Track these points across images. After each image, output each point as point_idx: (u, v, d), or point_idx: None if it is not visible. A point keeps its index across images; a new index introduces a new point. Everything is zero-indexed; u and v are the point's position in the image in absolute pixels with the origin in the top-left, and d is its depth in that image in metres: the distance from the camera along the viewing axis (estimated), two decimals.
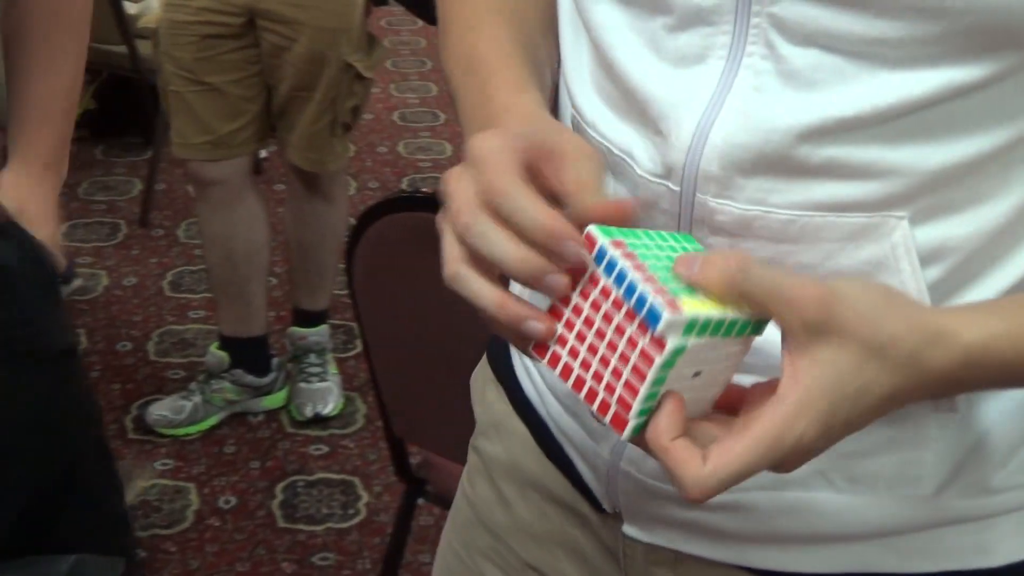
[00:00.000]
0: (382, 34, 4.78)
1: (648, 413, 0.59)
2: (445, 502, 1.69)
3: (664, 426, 0.59)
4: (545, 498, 0.88)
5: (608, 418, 0.60)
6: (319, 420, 2.67)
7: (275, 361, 2.72)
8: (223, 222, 2.56)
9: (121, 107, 3.94)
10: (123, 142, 4.06)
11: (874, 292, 0.61)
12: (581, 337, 0.60)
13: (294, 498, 2.46)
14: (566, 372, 0.61)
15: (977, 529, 0.74)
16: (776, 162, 0.65)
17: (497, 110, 0.72)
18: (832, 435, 0.60)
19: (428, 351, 1.65)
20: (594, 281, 0.60)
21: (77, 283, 3.22)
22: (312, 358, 2.72)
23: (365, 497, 2.46)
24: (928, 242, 0.66)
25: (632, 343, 0.58)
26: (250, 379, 2.67)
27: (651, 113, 0.68)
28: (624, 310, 0.58)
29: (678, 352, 0.58)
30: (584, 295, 0.60)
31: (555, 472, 0.87)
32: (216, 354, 2.67)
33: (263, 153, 3.50)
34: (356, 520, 2.40)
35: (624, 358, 0.59)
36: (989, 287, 0.68)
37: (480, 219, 0.60)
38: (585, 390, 0.60)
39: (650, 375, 0.58)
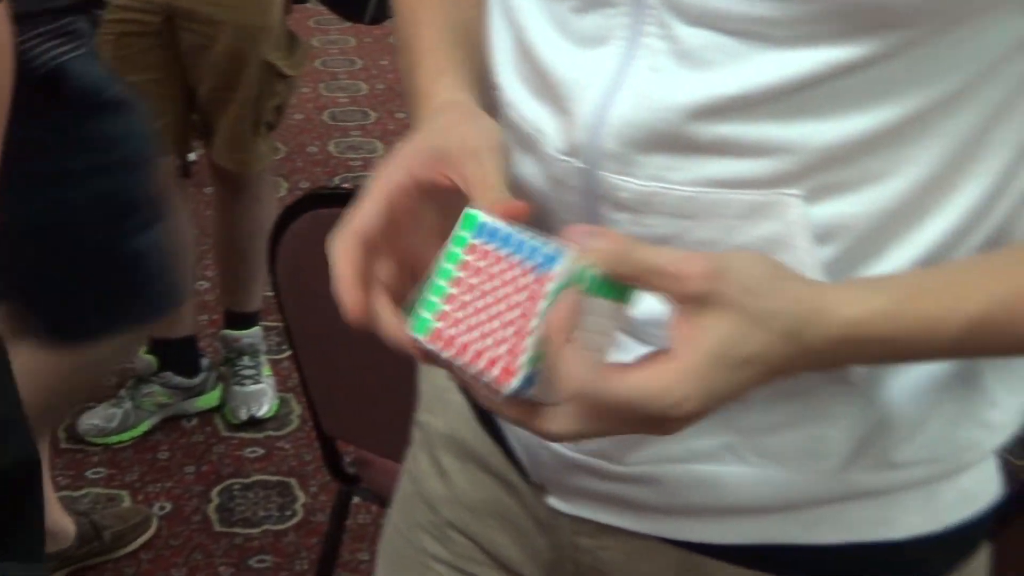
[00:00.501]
0: (310, 33, 4.76)
1: (534, 364, 0.61)
2: (381, 500, 1.69)
3: (519, 415, 0.63)
4: (481, 468, 0.90)
5: (496, 372, 0.61)
6: (254, 422, 2.65)
7: (204, 361, 2.69)
8: None
9: None
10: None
11: (760, 265, 0.62)
12: (464, 305, 0.62)
13: (230, 501, 2.44)
14: (449, 343, 0.63)
15: (881, 503, 0.76)
16: (671, 140, 0.67)
17: (419, 97, 0.77)
18: (712, 403, 0.61)
19: (355, 348, 1.64)
20: (474, 252, 0.63)
21: None
22: (245, 360, 2.70)
23: (302, 498, 2.45)
24: (823, 220, 0.67)
25: (521, 290, 0.61)
26: (180, 380, 2.64)
27: (558, 92, 0.71)
28: (511, 267, 0.62)
29: (571, 282, 0.60)
30: (465, 267, 0.63)
31: (491, 443, 0.88)
32: (144, 359, 2.63)
33: (192, 156, 3.46)
34: (293, 521, 2.38)
35: (515, 306, 0.61)
36: (887, 265, 0.69)
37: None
38: (470, 353, 0.62)
39: (542, 306, 0.60)
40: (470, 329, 0.62)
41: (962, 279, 0.65)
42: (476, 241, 0.63)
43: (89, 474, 2.50)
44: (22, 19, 1.40)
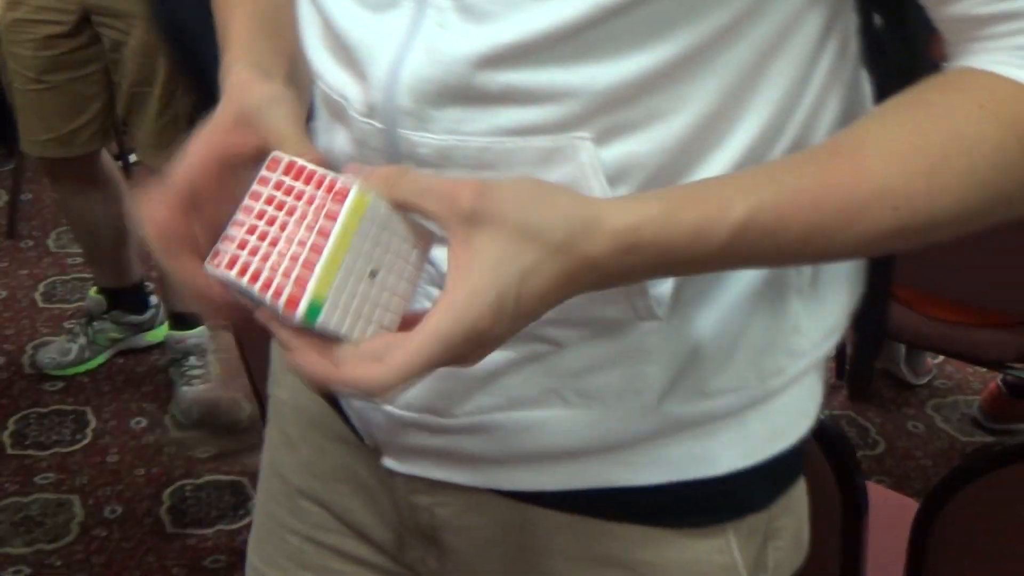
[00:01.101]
0: None
1: (325, 300, 0.62)
2: None
3: (318, 363, 0.63)
4: (324, 436, 0.92)
5: (284, 298, 0.62)
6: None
7: (152, 299, 2.86)
8: (81, 207, 2.67)
9: None
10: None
11: (527, 183, 0.65)
12: (262, 236, 0.65)
13: (182, 503, 2.42)
14: (243, 270, 0.65)
15: (699, 438, 0.78)
16: (460, 92, 0.69)
17: (224, 72, 0.79)
18: (506, 322, 0.63)
19: None
20: (274, 187, 0.66)
21: None
22: (192, 360, 2.68)
23: (255, 495, 2.43)
24: (614, 161, 0.69)
25: (310, 225, 0.63)
26: (130, 318, 2.83)
27: (356, 57, 0.73)
28: (305, 195, 0.64)
29: (353, 216, 0.62)
30: (255, 198, 0.66)
31: (330, 410, 0.90)
32: (94, 298, 2.82)
33: (133, 157, 3.44)
34: (247, 520, 2.37)
35: (310, 227, 0.63)
36: None
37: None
38: (261, 281, 0.64)
39: (327, 243, 0.62)
40: (264, 259, 0.64)
41: (730, 185, 0.67)
42: (276, 178, 0.66)
43: (38, 479, 2.48)
44: None
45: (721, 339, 0.76)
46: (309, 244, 0.63)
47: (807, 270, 0.78)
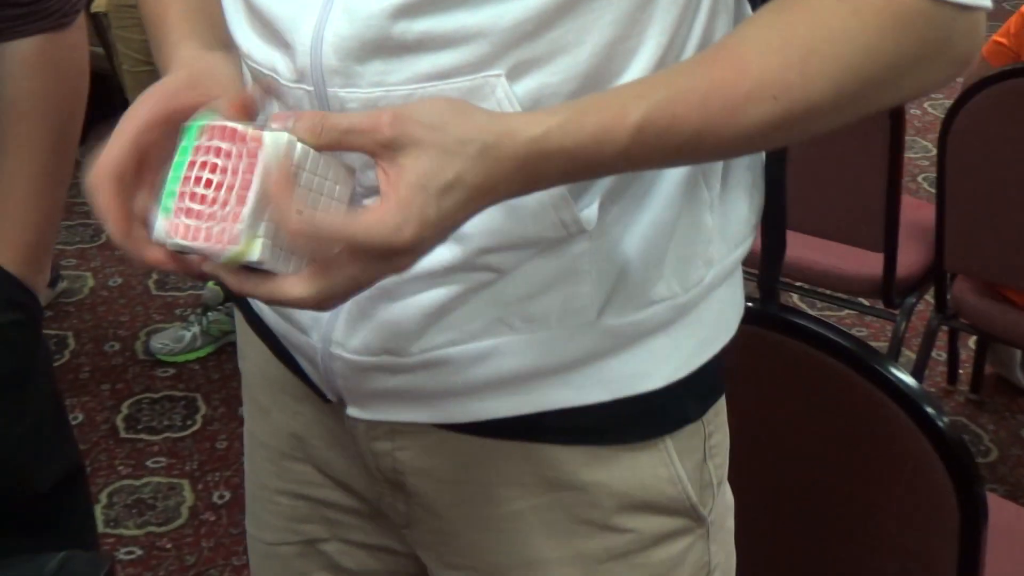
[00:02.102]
0: None
1: (257, 236, 0.67)
2: None
3: (263, 287, 0.69)
4: (293, 396, 0.97)
5: (224, 247, 0.67)
6: None
7: None
8: None
9: (101, 108, 3.93)
10: (104, 144, 4.05)
11: (441, 103, 0.69)
12: (193, 196, 0.68)
13: None
14: (185, 231, 0.69)
15: (636, 353, 0.84)
16: (380, 45, 0.74)
17: (166, 65, 0.85)
18: (431, 230, 0.67)
19: None
20: (198, 149, 0.69)
21: (62, 286, 3.21)
22: None
23: None
24: (527, 94, 0.74)
25: (238, 160, 0.68)
26: None
27: (280, 28, 0.77)
28: (230, 154, 0.68)
29: (274, 152, 0.67)
30: (191, 165, 0.69)
31: (289, 372, 0.95)
32: (213, 289, 2.89)
33: None
34: None
35: (233, 185, 0.68)
36: None
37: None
38: (202, 237, 0.68)
39: (255, 178, 0.67)
40: (199, 216, 0.68)
41: (627, 92, 0.72)
42: (201, 139, 0.69)
43: (150, 463, 2.54)
44: None
45: (647, 254, 0.82)
46: (235, 195, 0.67)
47: (715, 186, 0.85)
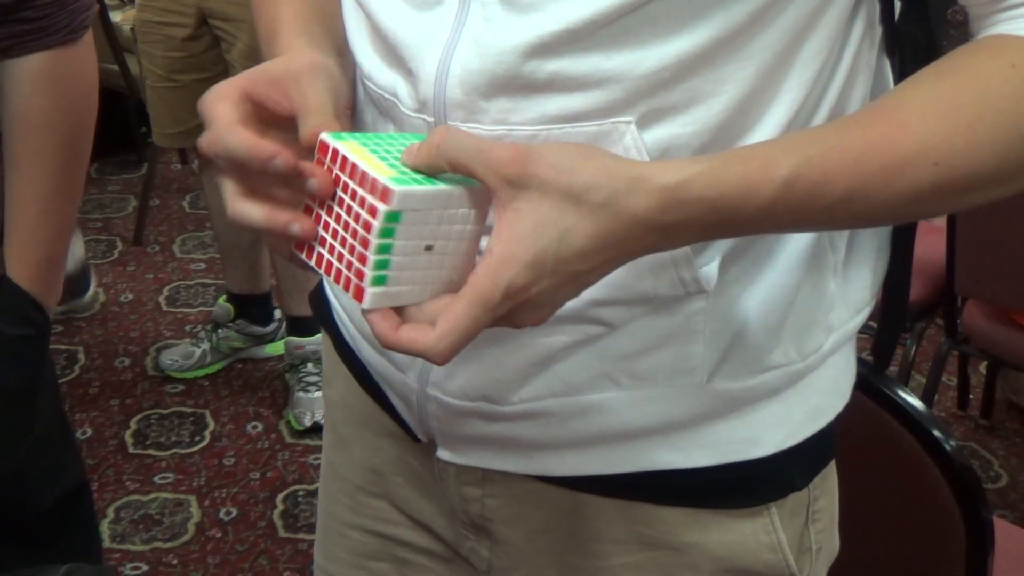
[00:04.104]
0: None
1: (384, 283, 0.65)
2: None
3: (382, 327, 0.65)
4: (376, 432, 0.94)
5: (351, 292, 0.65)
6: (318, 429, 2.66)
7: (276, 312, 2.95)
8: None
9: (114, 125, 3.95)
10: (117, 160, 4.08)
11: (569, 147, 0.66)
12: (329, 230, 0.67)
13: (295, 507, 2.46)
14: (327, 267, 0.67)
15: (746, 419, 0.81)
16: (508, 82, 0.71)
17: (279, 51, 0.80)
18: (546, 281, 0.64)
19: None
20: (336, 182, 0.66)
21: (91, 292, 3.21)
22: (309, 367, 2.72)
23: None
24: (656, 143, 0.71)
25: (358, 218, 0.65)
26: (254, 328, 2.92)
27: (405, 55, 0.75)
28: (357, 196, 0.65)
29: (393, 218, 0.63)
30: (334, 197, 0.67)
31: (375, 406, 0.92)
32: (223, 306, 2.90)
33: None
34: None
35: (355, 234, 0.65)
36: None
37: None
38: (333, 274, 0.66)
39: (372, 241, 0.64)
40: (332, 253, 0.67)
41: (775, 146, 0.68)
42: (334, 169, 0.67)
43: (157, 479, 2.54)
44: None
45: (766, 318, 0.78)
46: (359, 238, 0.65)
47: (841, 250, 0.81)
